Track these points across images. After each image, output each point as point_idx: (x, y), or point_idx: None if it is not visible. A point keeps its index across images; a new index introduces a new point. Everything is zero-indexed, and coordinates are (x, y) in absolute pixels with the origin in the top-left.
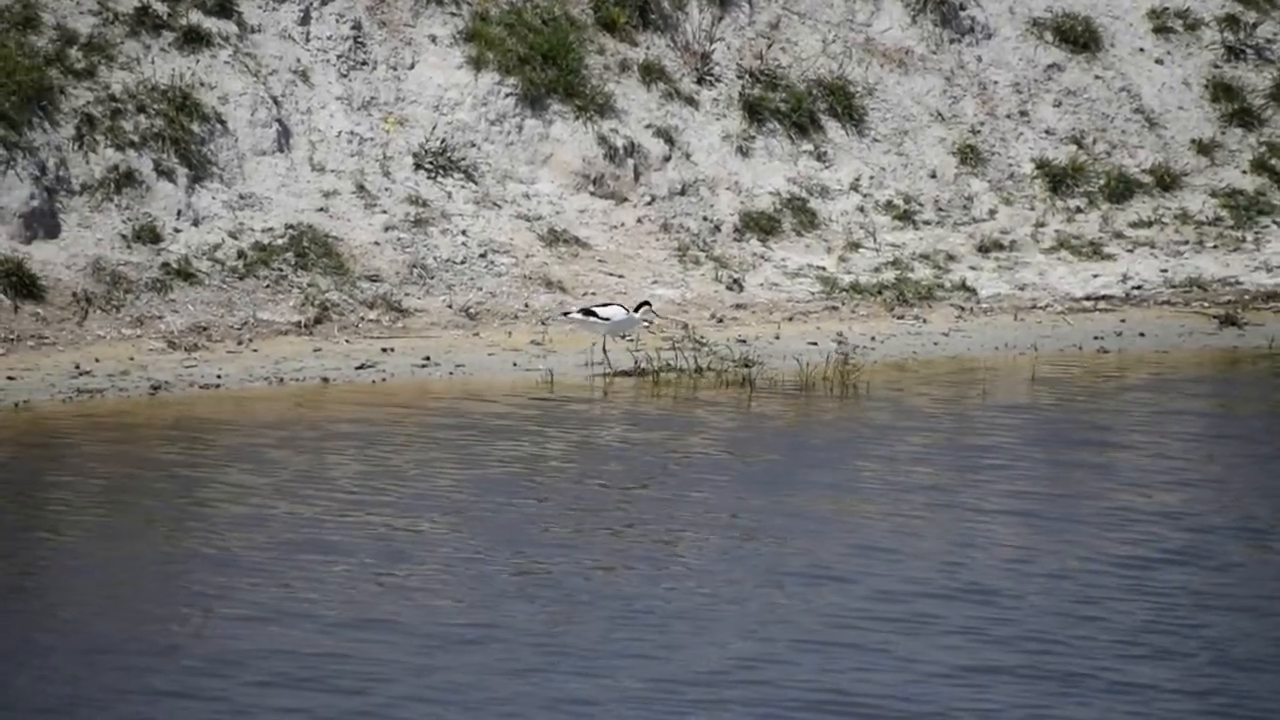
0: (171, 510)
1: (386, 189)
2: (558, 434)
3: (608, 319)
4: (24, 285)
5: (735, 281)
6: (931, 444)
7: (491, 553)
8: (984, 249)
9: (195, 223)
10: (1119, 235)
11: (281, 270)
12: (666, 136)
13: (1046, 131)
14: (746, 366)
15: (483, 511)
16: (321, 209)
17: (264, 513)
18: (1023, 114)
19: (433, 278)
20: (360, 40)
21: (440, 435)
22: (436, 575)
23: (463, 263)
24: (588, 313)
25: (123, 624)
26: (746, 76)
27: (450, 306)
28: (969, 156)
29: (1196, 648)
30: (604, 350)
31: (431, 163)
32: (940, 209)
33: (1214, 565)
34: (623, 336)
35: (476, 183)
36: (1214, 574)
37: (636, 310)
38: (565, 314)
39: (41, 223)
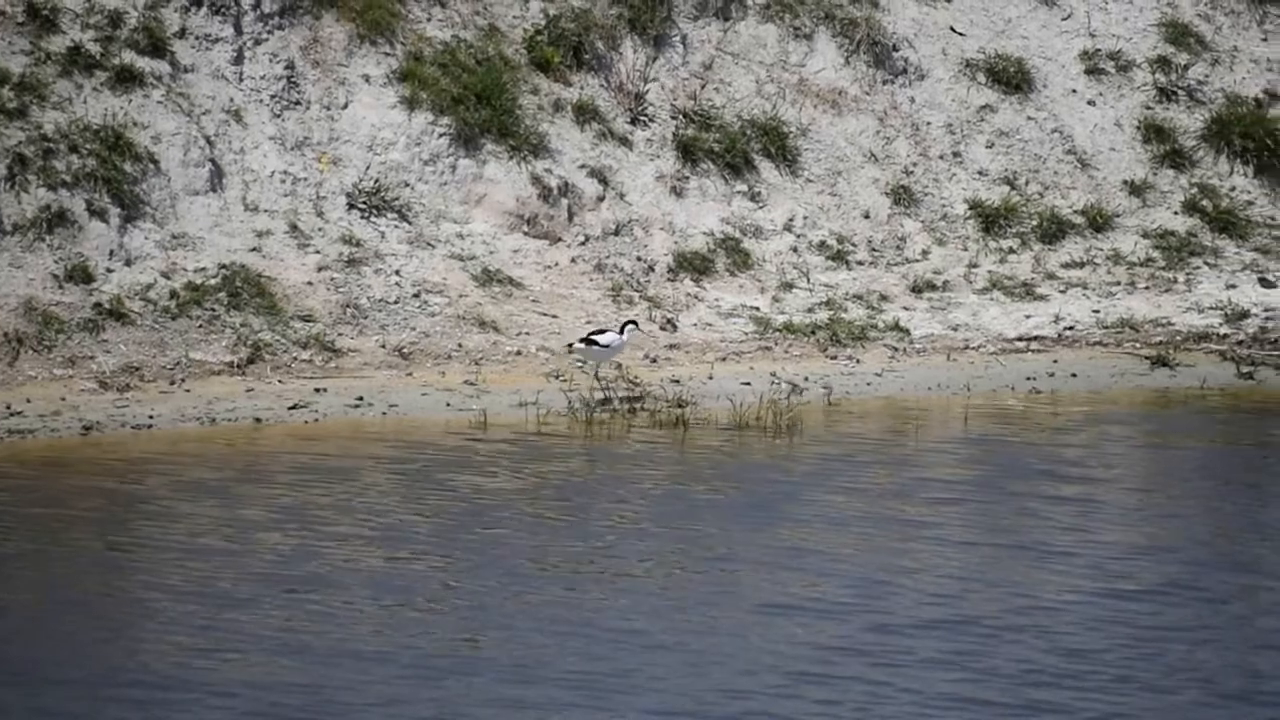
0: (98, 549)
1: (320, 229)
2: (489, 473)
3: (606, 345)
4: None
5: (669, 321)
6: (862, 483)
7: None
8: (917, 289)
9: (128, 262)
10: (1051, 276)
11: (214, 310)
12: (600, 176)
13: (979, 172)
14: (680, 406)
15: (413, 547)
16: (254, 249)
17: (195, 547)
18: (956, 155)
19: (366, 318)
20: (294, 80)
21: (371, 475)
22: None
23: (396, 303)
24: (589, 341)
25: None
26: (680, 117)
27: (383, 346)
28: (902, 197)
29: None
30: (596, 376)
31: (365, 202)
32: (873, 249)
33: (1153, 593)
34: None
35: (410, 222)
36: (1154, 603)
37: (621, 331)
38: (568, 347)
39: None
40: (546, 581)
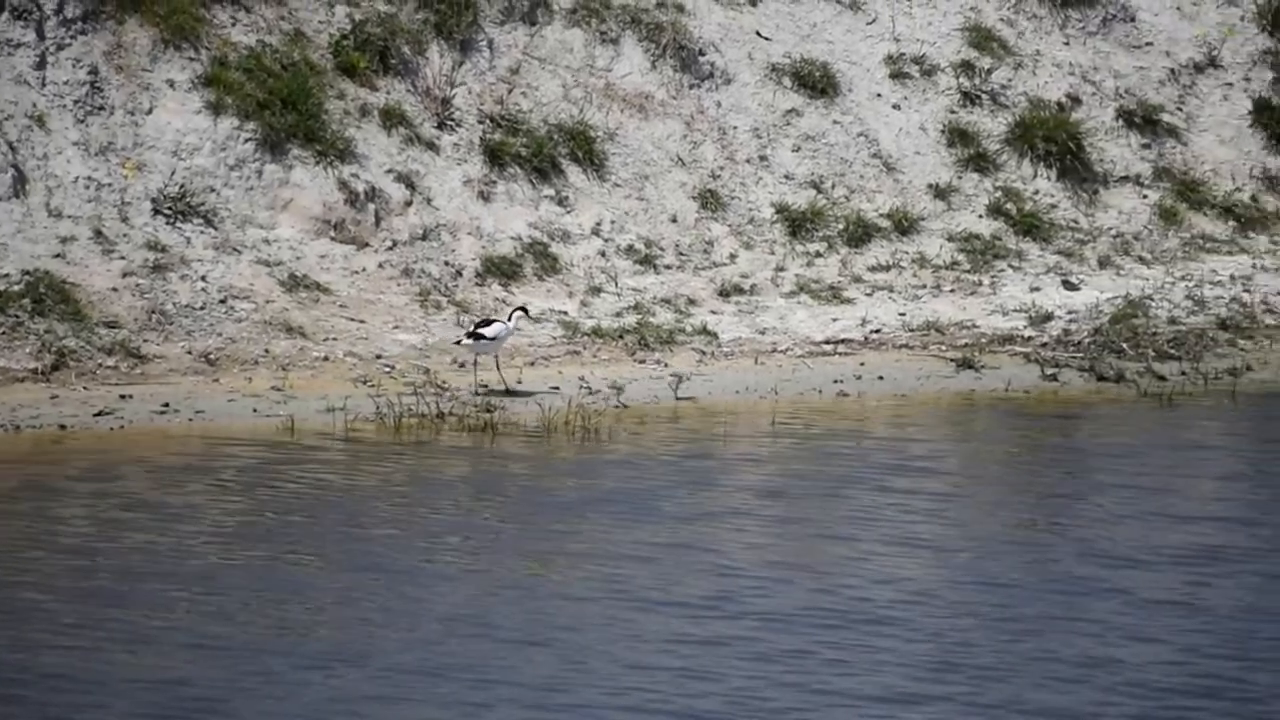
0: None
1: (125, 235)
2: (295, 479)
3: (494, 337)
4: None
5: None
6: (667, 485)
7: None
8: (724, 293)
9: None
10: (858, 279)
11: (18, 317)
12: (408, 181)
13: (786, 176)
14: (489, 411)
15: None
16: (58, 255)
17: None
18: (762, 159)
19: (172, 324)
20: (97, 85)
21: (175, 482)
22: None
23: (202, 308)
24: (475, 336)
25: None
26: (487, 121)
27: (190, 353)
28: (709, 201)
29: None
30: (498, 368)
31: (170, 208)
32: (681, 253)
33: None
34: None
35: (216, 228)
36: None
37: (509, 318)
38: (457, 342)
39: None
40: (366, 575)
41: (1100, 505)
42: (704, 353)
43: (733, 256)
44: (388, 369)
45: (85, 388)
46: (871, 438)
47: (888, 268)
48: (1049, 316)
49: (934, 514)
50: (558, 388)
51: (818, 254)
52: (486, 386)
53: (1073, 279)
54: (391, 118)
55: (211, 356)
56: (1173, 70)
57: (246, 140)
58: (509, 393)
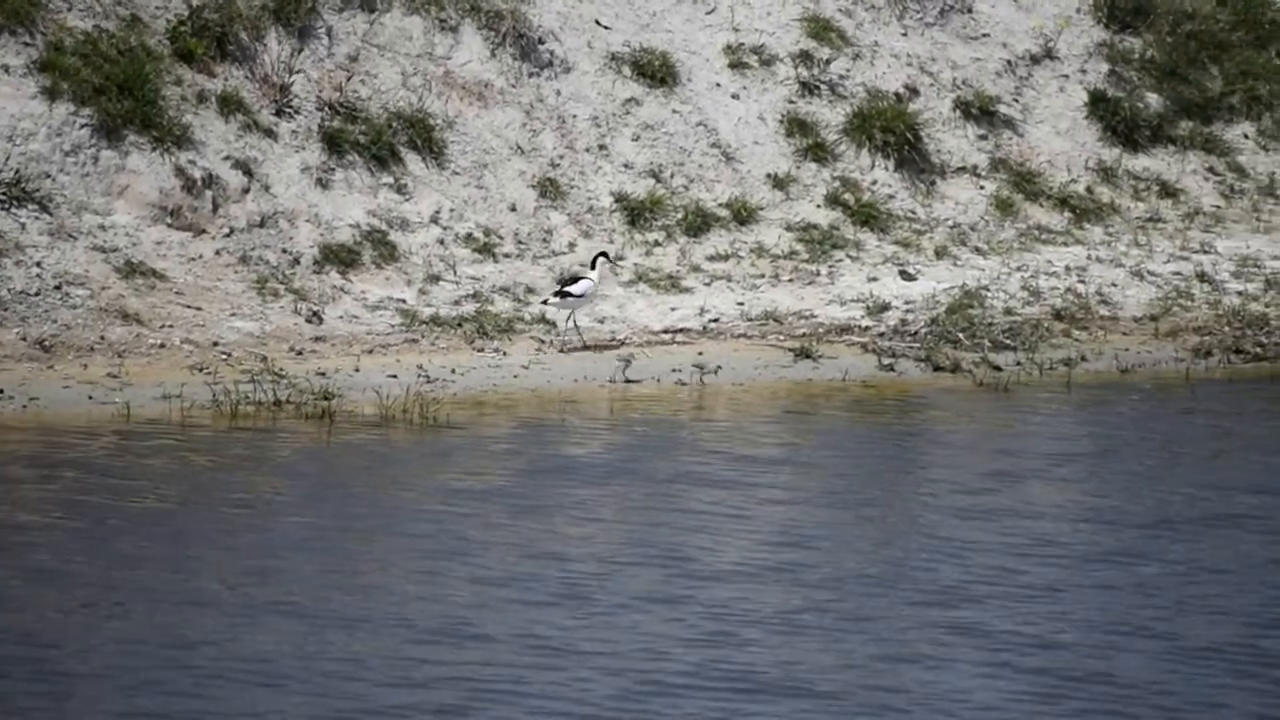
0: None
1: None
2: (131, 466)
3: (581, 294)
4: None
5: (315, 314)
6: (504, 474)
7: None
8: (563, 281)
9: None
10: (697, 269)
11: None
12: (245, 168)
13: (625, 165)
14: (326, 399)
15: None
16: None
17: None
18: (601, 148)
19: (6, 310)
20: None
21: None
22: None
23: (37, 295)
24: (562, 294)
25: None
26: (326, 109)
27: (24, 339)
28: (548, 190)
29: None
30: (574, 324)
31: (4, 194)
32: (520, 242)
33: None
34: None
35: (51, 214)
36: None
37: (593, 266)
38: (544, 302)
39: None
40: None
41: (929, 493)
42: (543, 341)
43: (572, 245)
44: (225, 356)
45: None
46: (707, 426)
47: (726, 257)
48: (886, 306)
49: (764, 500)
50: (396, 376)
51: (656, 243)
52: (580, 337)
53: (910, 269)
54: (229, 104)
55: (46, 343)
56: (1009, 62)
57: (82, 126)
58: (585, 348)
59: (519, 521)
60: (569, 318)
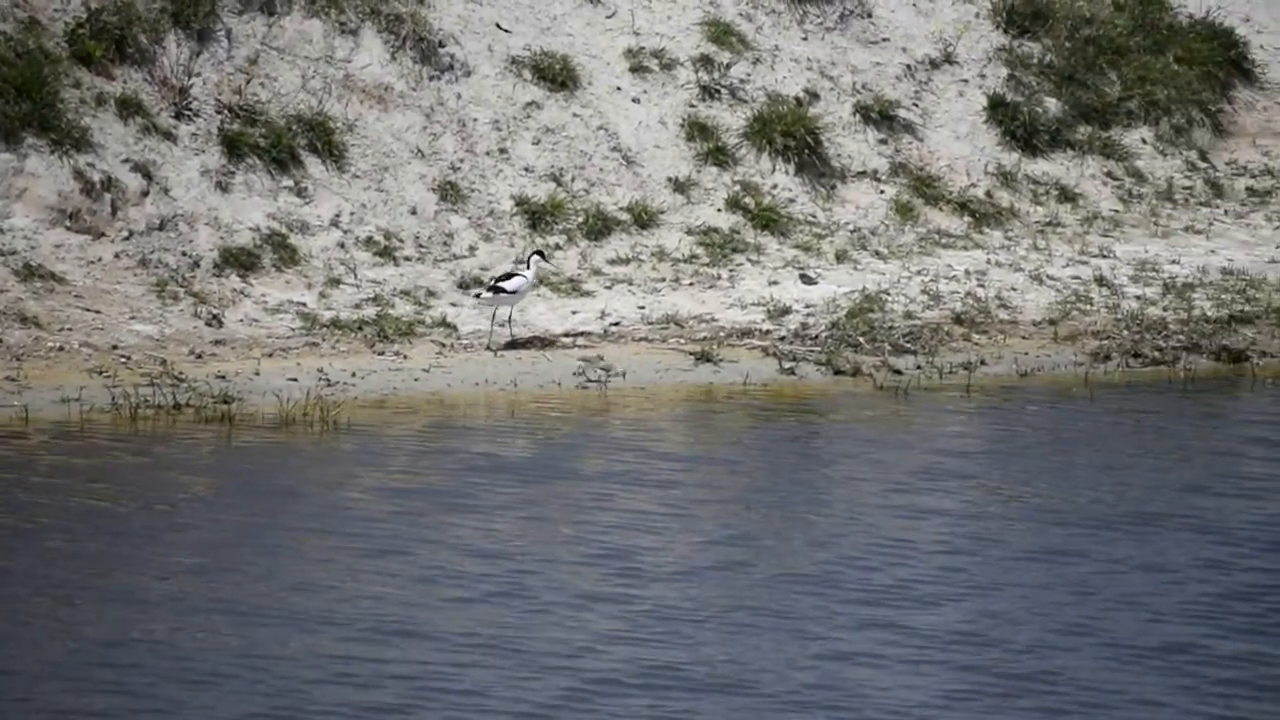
0: None
1: None
2: (25, 469)
3: (515, 290)
4: None
5: (215, 317)
6: (403, 478)
7: None
8: (464, 286)
9: None
10: (598, 272)
11: None
12: (145, 171)
13: (526, 169)
14: (226, 403)
15: None
16: None
17: None
18: (502, 151)
19: None
20: None
21: None
22: None
23: None
24: (495, 289)
25: None
26: (225, 111)
27: None
28: (449, 193)
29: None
30: (509, 321)
31: None
32: (421, 246)
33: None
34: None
35: None
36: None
37: (527, 265)
38: (476, 296)
39: None
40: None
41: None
42: (443, 345)
43: (472, 249)
44: (124, 360)
45: None
46: (606, 429)
47: (627, 261)
48: (787, 310)
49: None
50: (296, 379)
51: (557, 247)
52: (511, 333)
53: (810, 273)
54: (128, 107)
55: None
56: (909, 66)
57: None
58: (513, 345)
59: (423, 520)
60: (498, 313)
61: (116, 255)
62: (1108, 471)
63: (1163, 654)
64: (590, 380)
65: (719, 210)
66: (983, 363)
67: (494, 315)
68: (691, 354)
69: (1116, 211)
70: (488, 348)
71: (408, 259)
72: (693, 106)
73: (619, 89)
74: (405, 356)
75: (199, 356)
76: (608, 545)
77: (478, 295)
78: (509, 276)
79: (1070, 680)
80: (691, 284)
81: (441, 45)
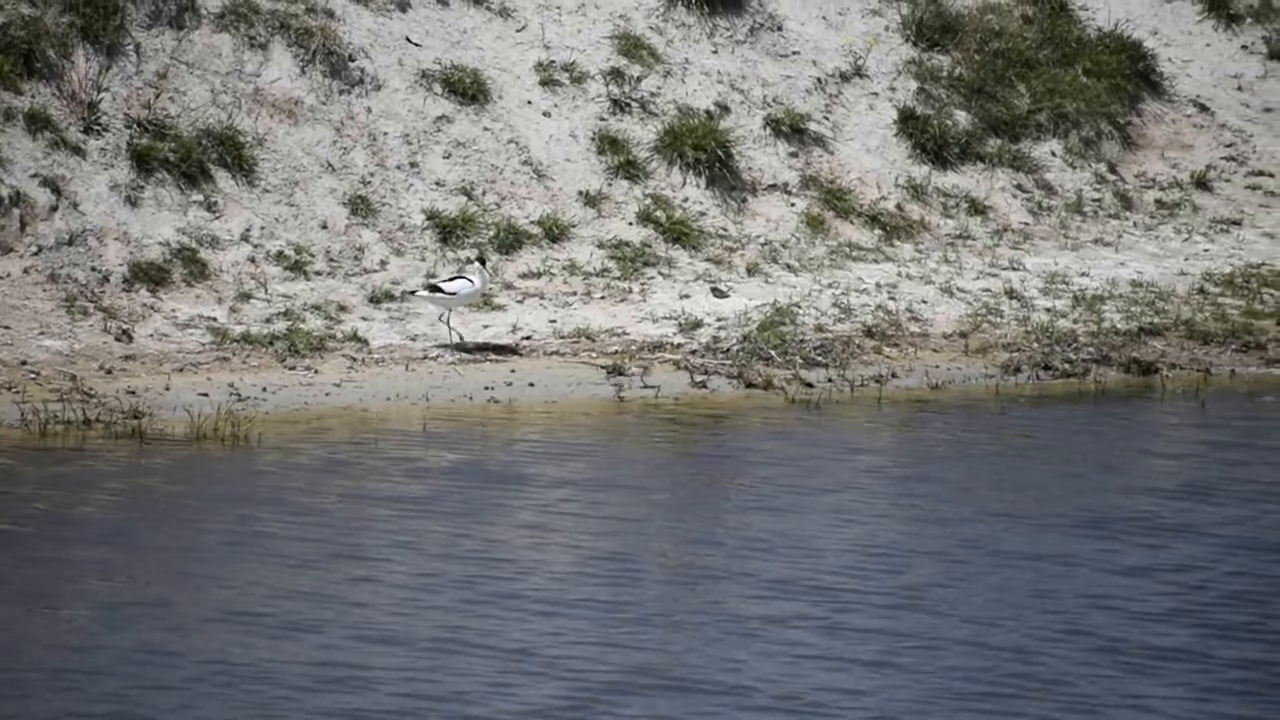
0: None
1: None
2: None
3: (454, 292)
4: None
5: (125, 333)
6: (313, 493)
7: None
8: (375, 300)
9: None
10: (509, 286)
11: None
12: (53, 186)
13: (437, 183)
14: (136, 418)
15: None
16: None
17: None
18: (413, 165)
19: None
20: None
21: None
22: None
23: None
24: (432, 289)
25: None
26: (135, 126)
27: None
28: (360, 207)
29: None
30: (448, 324)
31: None
32: (332, 260)
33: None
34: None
35: None
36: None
37: (475, 272)
38: (412, 293)
39: None
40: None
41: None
42: (355, 359)
43: (384, 263)
44: (33, 375)
45: None
46: (517, 442)
47: (538, 274)
48: (698, 324)
49: (593, 520)
50: (207, 394)
51: (469, 260)
52: (460, 338)
53: (722, 286)
54: (36, 122)
55: None
56: (819, 79)
57: None
58: (459, 348)
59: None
60: (443, 317)
61: (25, 270)
62: (1014, 482)
63: (1050, 647)
64: (509, 392)
65: (630, 224)
66: (894, 375)
67: (443, 318)
68: (603, 368)
69: (1026, 224)
70: (445, 348)
71: (318, 273)
72: (603, 120)
73: (530, 103)
74: (316, 371)
75: (109, 372)
76: (500, 554)
77: (412, 291)
78: (455, 279)
79: (949, 674)
80: (603, 298)
81: (351, 59)
